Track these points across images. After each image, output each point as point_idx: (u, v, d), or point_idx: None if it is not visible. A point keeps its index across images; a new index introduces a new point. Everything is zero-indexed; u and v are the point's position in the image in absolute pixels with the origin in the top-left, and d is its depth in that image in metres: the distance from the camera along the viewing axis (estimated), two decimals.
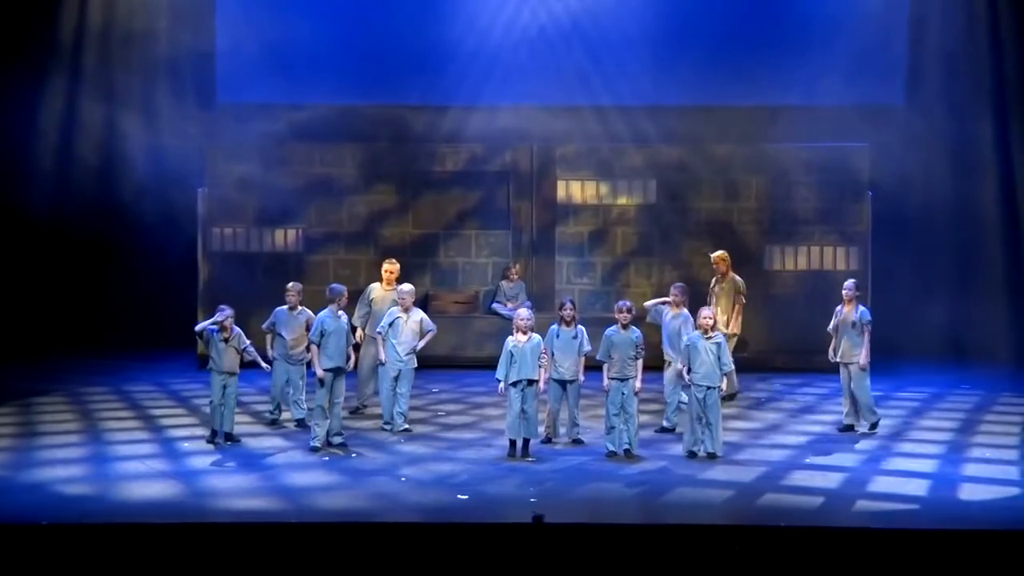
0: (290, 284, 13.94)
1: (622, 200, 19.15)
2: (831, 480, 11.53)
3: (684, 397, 12.96)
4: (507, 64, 18.89)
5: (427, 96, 18.81)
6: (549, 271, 19.15)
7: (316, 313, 13.04)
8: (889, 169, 18.20)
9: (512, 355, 12.26)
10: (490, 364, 12.64)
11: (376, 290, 14.34)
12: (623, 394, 12.32)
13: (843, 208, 18.63)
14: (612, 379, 12.38)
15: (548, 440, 12.89)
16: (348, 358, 12.77)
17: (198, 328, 13.29)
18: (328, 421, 12.60)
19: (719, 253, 15.88)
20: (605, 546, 9.09)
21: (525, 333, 12.36)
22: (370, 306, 14.25)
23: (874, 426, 13.61)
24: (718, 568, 8.97)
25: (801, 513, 10.47)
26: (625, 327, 12.49)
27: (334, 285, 13.05)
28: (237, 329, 12.80)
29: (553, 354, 12.62)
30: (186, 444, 12.80)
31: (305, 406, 13.56)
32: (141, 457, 12.19)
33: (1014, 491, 11.13)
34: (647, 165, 18.97)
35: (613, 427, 12.36)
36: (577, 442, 12.86)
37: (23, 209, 18.50)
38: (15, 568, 8.83)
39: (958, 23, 18.95)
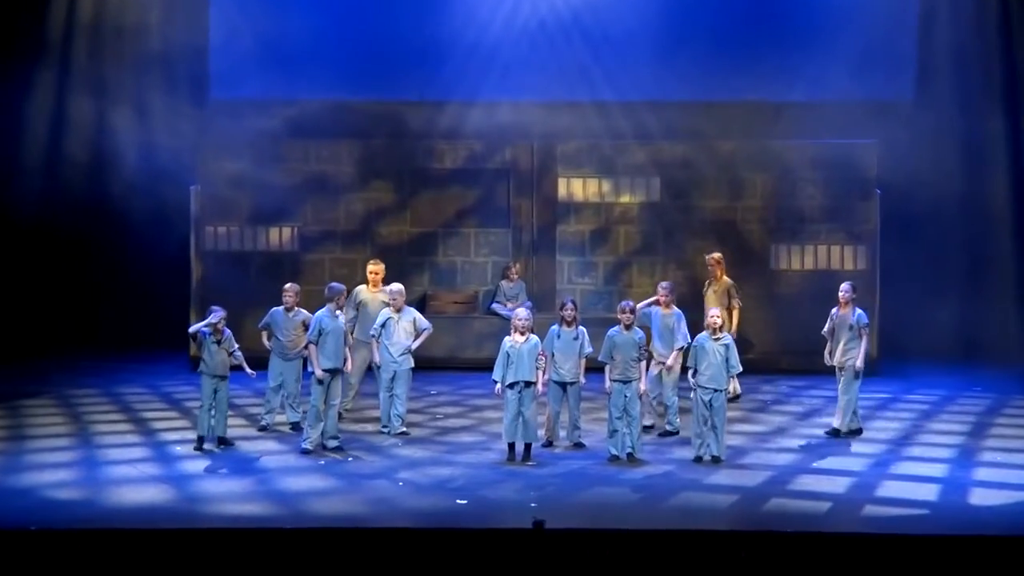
0: (287, 285, 13.84)
1: (624, 198, 18.97)
2: (838, 485, 11.46)
3: (665, 396, 13.22)
4: (507, 59, 18.71)
5: (425, 92, 18.66)
6: (550, 271, 18.99)
7: (313, 313, 12.95)
8: (897, 166, 18.05)
9: (509, 356, 12.19)
10: (490, 366, 12.61)
11: (363, 292, 14.20)
12: (626, 396, 12.20)
13: (850, 206, 18.42)
14: (615, 381, 12.27)
15: (549, 444, 12.77)
16: (345, 359, 12.71)
17: (192, 330, 13.20)
18: (322, 423, 12.51)
19: (715, 255, 15.75)
20: (607, 552, 9.08)
21: (523, 334, 12.26)
22: (358, 309, 14.09)
23: (851, 432, 13.31)
24: (724, 575, 8.95)
25: (808, 518, 10.40)
26: (628, 328, 12.39)
27: (333, 284, 12.99)
28: (228, 331, 12.72)
29: (553, 355, 12.53)
30: (178, 448, 12.75)
31: (300, 409, 13.44)
32: (132, 461, 12.14)
33: None
34: (650, 162, 18.81)
35: (616, 430, 12.23)
36: (578, 445, 12.78)
37: (11, 207, 18.45)
38: (4, 575, 8.78)
39: (968, 17, 18.83)
